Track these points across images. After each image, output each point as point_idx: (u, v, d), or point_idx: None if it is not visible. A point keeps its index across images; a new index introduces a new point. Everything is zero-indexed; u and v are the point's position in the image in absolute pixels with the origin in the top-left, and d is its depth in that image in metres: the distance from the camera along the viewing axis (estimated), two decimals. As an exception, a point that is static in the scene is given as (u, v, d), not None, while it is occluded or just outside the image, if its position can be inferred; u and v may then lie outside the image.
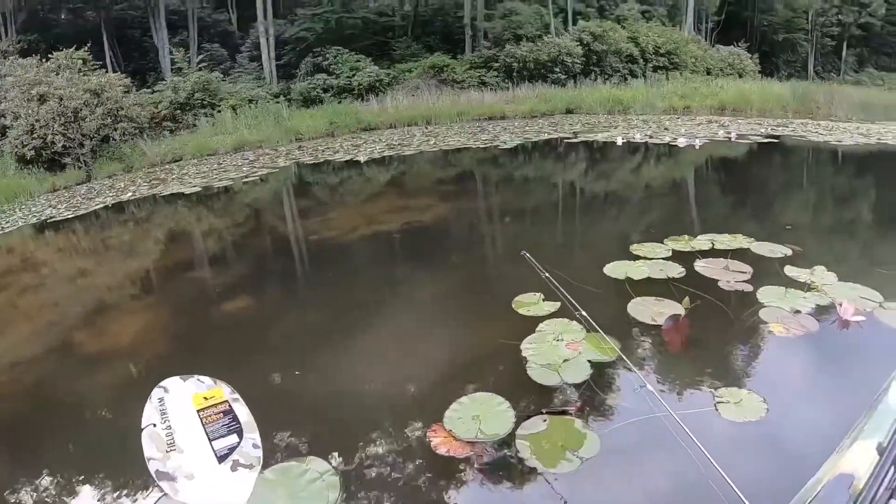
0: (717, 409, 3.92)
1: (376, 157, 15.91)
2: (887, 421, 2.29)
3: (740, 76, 28.66)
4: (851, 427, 2.48)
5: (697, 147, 14.30)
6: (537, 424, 3.86)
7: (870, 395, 2.80)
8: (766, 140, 15.06)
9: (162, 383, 3.79)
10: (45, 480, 3.87)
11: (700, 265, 6.37)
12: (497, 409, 4.04)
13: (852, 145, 14.29)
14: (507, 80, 25.50)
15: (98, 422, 4.66)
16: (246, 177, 14.37)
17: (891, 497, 1.87)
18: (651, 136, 16.10)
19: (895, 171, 12.68)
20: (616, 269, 6.37)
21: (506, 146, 16.30)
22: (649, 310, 5.37)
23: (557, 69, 25.68)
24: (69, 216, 11.87)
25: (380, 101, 22.90)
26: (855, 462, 2.15)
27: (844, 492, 2.02)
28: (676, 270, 6.27)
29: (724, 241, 7.09)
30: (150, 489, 3.55)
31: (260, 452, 3.44)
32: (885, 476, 1.91)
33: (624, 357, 4.41)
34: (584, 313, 5.11)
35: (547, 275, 5.83)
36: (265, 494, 3.46)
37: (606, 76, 26.19)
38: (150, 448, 3.33)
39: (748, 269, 6.19)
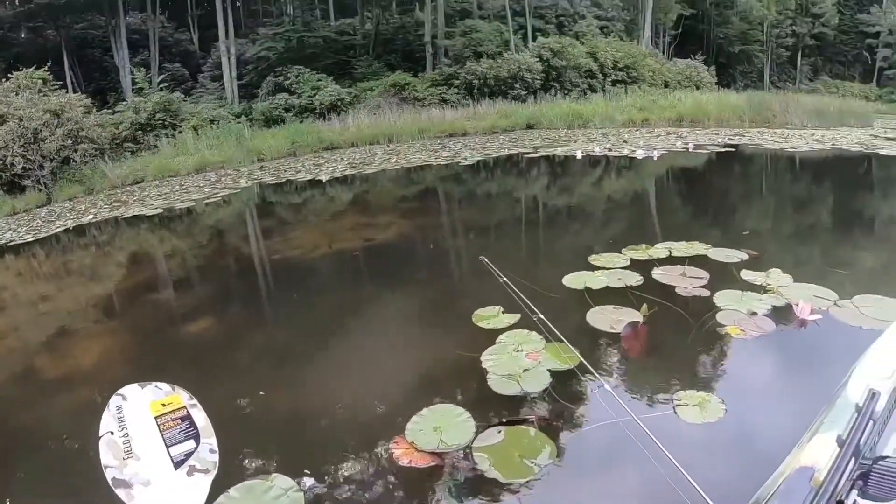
0: (676, 413, 3.97)
1: (338, 175, 15.94)
2: (846, 414, 2.39)
3: (697, 88, 29.21)
4: (811, 422, 2.53)
5: (656, 158, 14.57)
6: (494, 435, 3.88)
7: (828, 391, 2.88)
8: (723, 149, 15.44)
9: (120, 391, 3.76)
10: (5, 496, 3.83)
11: (657, 273, 6.47)
12: (457, 419, 4.06)
13: (808, 151, 14.71)
14: (467, 97, 25.74)
15: (58, 438, 4.59)
16: (208, 198, 14.27)
17: (852, 488, 1.94)
18: (610, 149, 16.36)
19: (849, 174, 13.03)
20: (575, 280, 6.43)
21: (467, 162, 16.42)
22: (608, 318, 5.44)
23: (517, 85, 25.95)
24: (29, 239, 11.69)
25: (342, 120, 22.98)
26: (815, 455, 2.23)
27: (806, 484, 2.08)
28: (634, 279, 6.35)
29: (682, 248, 7.23)
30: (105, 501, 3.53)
31: (216, 457, 3.42)
32: (846, 467, 1.98)
33: (586, 363, 4.45)
34: (542, 316, 5.17)
35: (505, 279, 5.91)
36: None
37: (566, 91, 26.50)
38: (107, 456, 3.30)
39: (705, 274, 6.31)
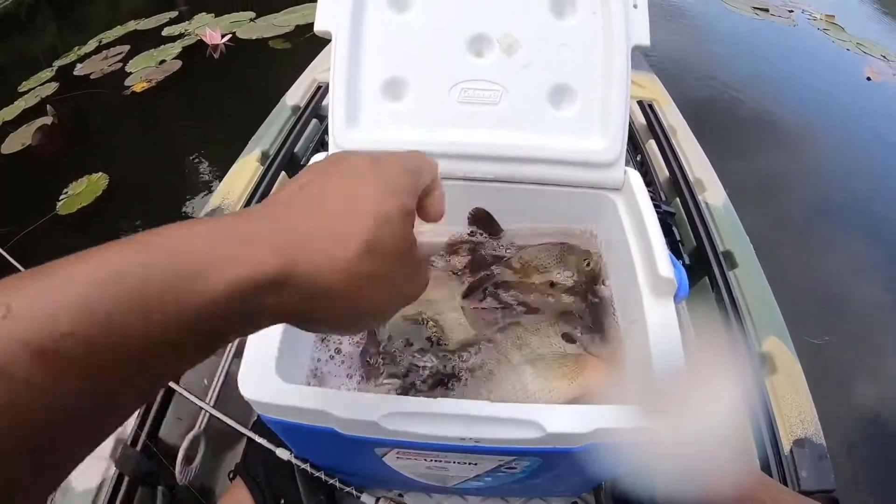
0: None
1: None
2: (277, 124, 2.13)
3: None
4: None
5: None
6: None
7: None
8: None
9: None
10: None
11: (78, 69, 5.70)
12: None
13: None
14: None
15: None
16: None
17: None
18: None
19: None
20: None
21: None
22: (21, 139, 4.75)
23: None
24: None
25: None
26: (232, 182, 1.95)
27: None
28: (52, 89, 5.50)
29: (113, 34, 6.46)
30: None
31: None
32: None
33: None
34: None
35: None
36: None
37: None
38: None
39: (125, 48, 5.78)
